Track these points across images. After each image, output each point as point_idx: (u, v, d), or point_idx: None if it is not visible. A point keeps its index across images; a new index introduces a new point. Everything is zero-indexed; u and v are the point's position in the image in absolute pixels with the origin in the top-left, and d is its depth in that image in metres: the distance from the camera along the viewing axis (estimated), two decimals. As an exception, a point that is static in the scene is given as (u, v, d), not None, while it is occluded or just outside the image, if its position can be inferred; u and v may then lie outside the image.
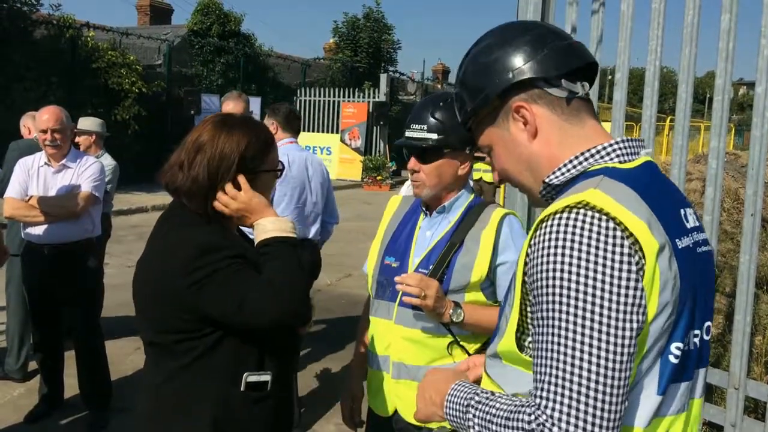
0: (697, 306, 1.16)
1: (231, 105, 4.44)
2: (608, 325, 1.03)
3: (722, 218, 7.18)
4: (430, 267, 2.06)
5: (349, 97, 20.78)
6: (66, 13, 14.27)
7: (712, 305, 1.25)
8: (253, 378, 1.73)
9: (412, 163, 2.11)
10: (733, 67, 3.00)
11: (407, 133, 2.12)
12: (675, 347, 1.14)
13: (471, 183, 4.65)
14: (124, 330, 5.61)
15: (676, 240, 1.13)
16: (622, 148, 1.22)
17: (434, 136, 2.06)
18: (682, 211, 1.21)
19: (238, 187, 1.75)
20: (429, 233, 2.15)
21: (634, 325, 1.05)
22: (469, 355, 2.04)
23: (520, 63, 1.24)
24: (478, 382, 1.43)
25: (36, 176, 3.97)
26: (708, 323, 1.22)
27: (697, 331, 1.18)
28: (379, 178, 18.87)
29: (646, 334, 1.09)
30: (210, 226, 1.75)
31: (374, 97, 20.59)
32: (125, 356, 5.13)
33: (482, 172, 10.68)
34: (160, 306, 1.71)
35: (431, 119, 2.07)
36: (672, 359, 1.14)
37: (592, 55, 1.30)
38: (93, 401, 4.14)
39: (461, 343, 2.05)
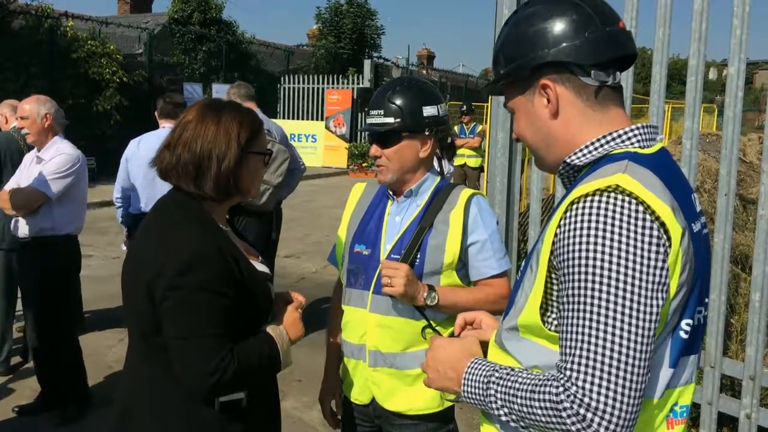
0: (703, 285, 1.24)
1: (230, 93, 5.04)
2: (638, 302, 1.09)
3: (703, 199, 7.24)
4: (402, 252, 2.06)
5: (333, 83, 20.69)
6: (44, 2, 14.09)
7: (709, 284, 1.31)
8: (226, 398, 1.69)
9: (374, 149, 2.12)
10: (706, 48, 3.02)
11: (368, 120, 2.13)
12: (685, 323, 1.22)
13: (452, 168, 4.70)
14: (107, 322, 5.60)
15: (692, 224, 1.21)
16: (642, 134, 1.28)
17: (391, 120, 2.07)
18: (691, 197, 1.28)
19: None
20: (398, 218, 2.15)
21: (660, 302, 1.11)
22: None
23: (557, 43, 1.27)
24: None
25: (26, 167, 3.98)
26: (707, 300, 1.30)
27: (700, 308, 1.26)
28: (364, 165, 18.83)
29: (666, 312, 1.17)
30: (202, 224, 1.72)
31: (359, 84, 20.52)
32: (108, 348, 5.12)
33: (466, 157, 10.69)
34: (140, 306, 1.69)
35: (388, 104, 2.08)
36: (682, 334, 1.22)
37: (632, 45, 1.32)
38: (62, 398, 4.05)
39: (437, 327, 2.06)
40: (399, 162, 2.10)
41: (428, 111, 2.09)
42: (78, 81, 14.39)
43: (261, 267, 1.89)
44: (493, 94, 1.46)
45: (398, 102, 2.08)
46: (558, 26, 1.27)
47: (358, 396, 2.19)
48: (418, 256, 2.06)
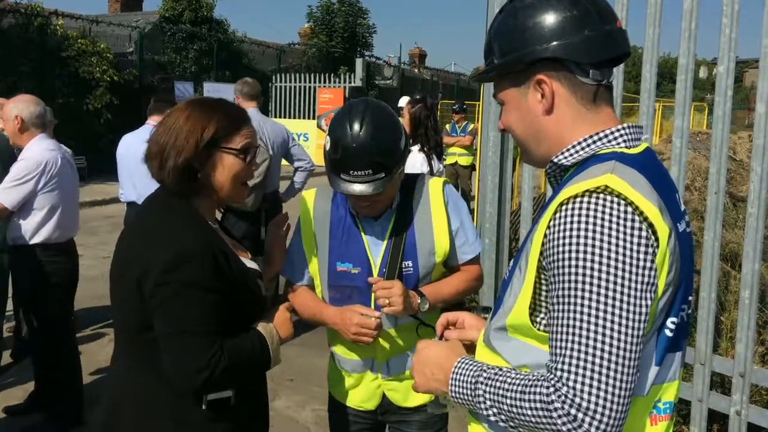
0: (687, 283, 1.25)
1: (236, 88, 5.32)
2: (627, 303, 1.10)
3: (693, 197, 7.27)
4: (384, 270, 2.03)
5: (325, 82, 20.63)
6: (34, 1, 13.99)
7: (693, 282, 1.33)
8: (214, 396, 1.69)
9: (372, 201, 1.98)
10: (696, 47, 3.03)
11: (351, 180, 1.92)
12: (670, 322, 1.23)
13: (441, 167, 4.71)
14: (98, 321, 5.59)
15: (677, 224, 1.21)
16: (628, 134, 1.27)
17: (382, 175, 1.91)
18: (676, 196, 1.28)
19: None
20: (378, 228, 2.08)
21: (649, 302, 1.12)
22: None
23: (556, 39, 1.25)
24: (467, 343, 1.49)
25: None
26: (691, 297, 1.30)
27: (684, 306, 1.26)
28: (356, 163, 18.82)
29: (654, 311, 1.17)
30: (190, 220, 1.72)
31: (350, 83, 20.47)
32: (99, 347, 5.10)
33: (457, 156, 10.70)
34: (128, 304, 1.69)
35: (374, 160, 1.90)
36: (668, 332, 1.23)
37: (627, 45, 1.31)
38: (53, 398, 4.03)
39: (428, 323, 2.08)
40: (389, 196, 2.04)
41: (402, 143, 1.99)
42: (68, 80, 14.30)
43: (251, 264, 1.88)
44: (483, 82, 1.45)
45: (382, 153, 1.91)
46: (557, 21, 1.25)
47: (363, 403, 2.18)
48: (410, 264, 2.05)
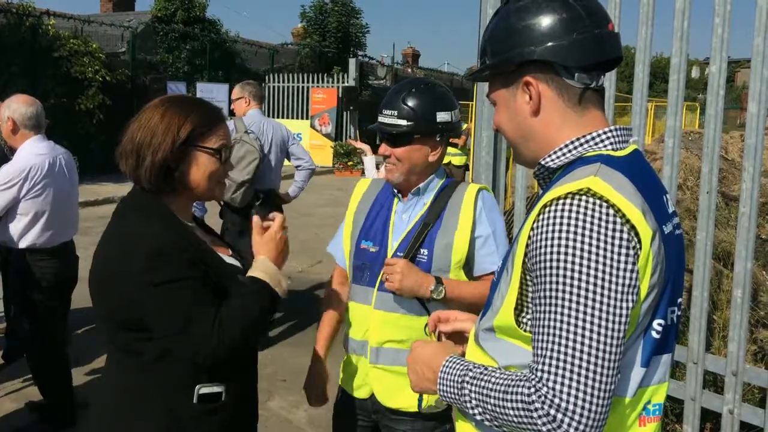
0: (675, 285, 1.25)
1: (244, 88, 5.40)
2: (607, 305, 1.12)
3: (685, 196, 7.29)
4: (400, 254, 2.09)
5: (318, 82, 20.62)
6: (25, 0, 13.92)
7: (683, 283, 1.34)
8: (206, 389, 1.71)
9: (383, 148, 2.14)
10: (688, 46, 3.04)
11: (380, 119, 2.14)
12: (657, 323, 1.24)
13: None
14: (91, 322, 5.55)
15: (663, 226, 1.21)
16: (615, 136, 1.28)
17: (404, 122, 2.08)
18: (663, 198, 1.28)
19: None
20: (405, 216, 2.17)
21: (630, 305, 1.14)
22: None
23: (545, 42, 1.26)
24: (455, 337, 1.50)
25: None
26: (680, 299, 1.31)
27: (673, 308, 1.27)
28: (350, 163, 18.80)
29: (636, 313, 1.19)
30: (163, 219, 1.71)
31: (344, 82, 20.46)
32: (92, 349, 5.07)
33: (451, 156, 10.70)
34: (110, 304, 1.69)
35: (403, 105, 2.09)
36: (654, 334, 1.24)
37: (619, 49, 1.32)
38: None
39: None
40: (408, 163, 2.11)
41: (442, 117, 2.11)
42: (60, 80, 14.24)
43: (230, 260, 1.88)
44: (476, 81, 1.48)
45: (413, 105, 2.08)
46: (547, 24, 1.27)
47: (357, 390, 2.20)
48: (425, 252, 2.07)
